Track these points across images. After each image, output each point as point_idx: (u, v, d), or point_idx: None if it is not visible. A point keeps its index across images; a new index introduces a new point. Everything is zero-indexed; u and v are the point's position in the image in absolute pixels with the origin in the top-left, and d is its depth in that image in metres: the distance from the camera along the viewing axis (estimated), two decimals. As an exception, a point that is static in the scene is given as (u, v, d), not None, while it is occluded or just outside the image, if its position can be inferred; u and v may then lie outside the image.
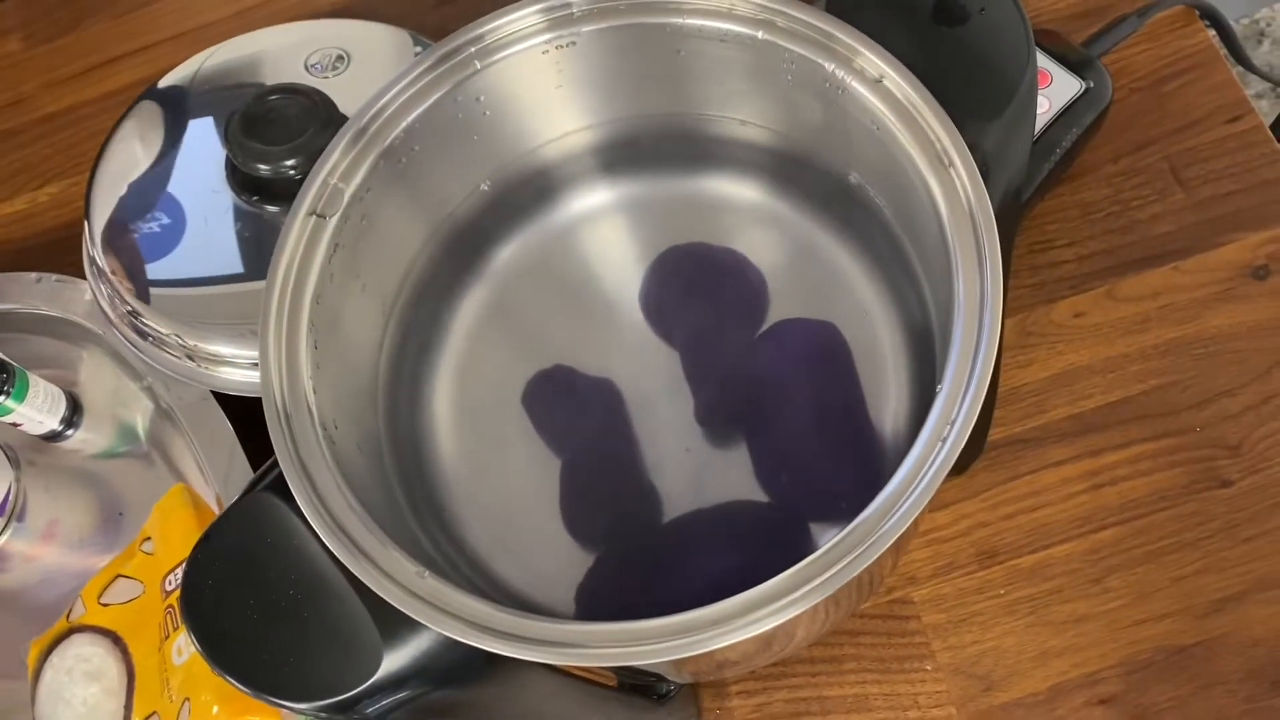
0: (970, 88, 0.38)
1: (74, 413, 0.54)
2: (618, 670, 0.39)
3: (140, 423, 0.54)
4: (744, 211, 0.44)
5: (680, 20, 0.38)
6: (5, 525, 0.52)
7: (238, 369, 0.48)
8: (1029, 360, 0.49)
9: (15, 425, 0.52)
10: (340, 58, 0.53)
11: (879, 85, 0.36)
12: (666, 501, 0.40)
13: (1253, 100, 0.53)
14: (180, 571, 0.40)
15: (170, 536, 0.46)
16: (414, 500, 0.40)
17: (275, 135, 0.47)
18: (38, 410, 0.51)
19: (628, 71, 0.41)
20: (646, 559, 0.40)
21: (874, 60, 0.36)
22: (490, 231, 0.44)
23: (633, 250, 0.44)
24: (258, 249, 0.49)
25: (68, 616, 0.47)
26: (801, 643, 0.44)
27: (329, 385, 0.36)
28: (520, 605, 0.38)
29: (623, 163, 0.44)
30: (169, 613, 0.44)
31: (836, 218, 0.42)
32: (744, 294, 0.42)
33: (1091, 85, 0.49)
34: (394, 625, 0.31)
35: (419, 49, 0.53)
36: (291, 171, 0.47)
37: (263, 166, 0.47)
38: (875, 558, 0.29)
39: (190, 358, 0.48)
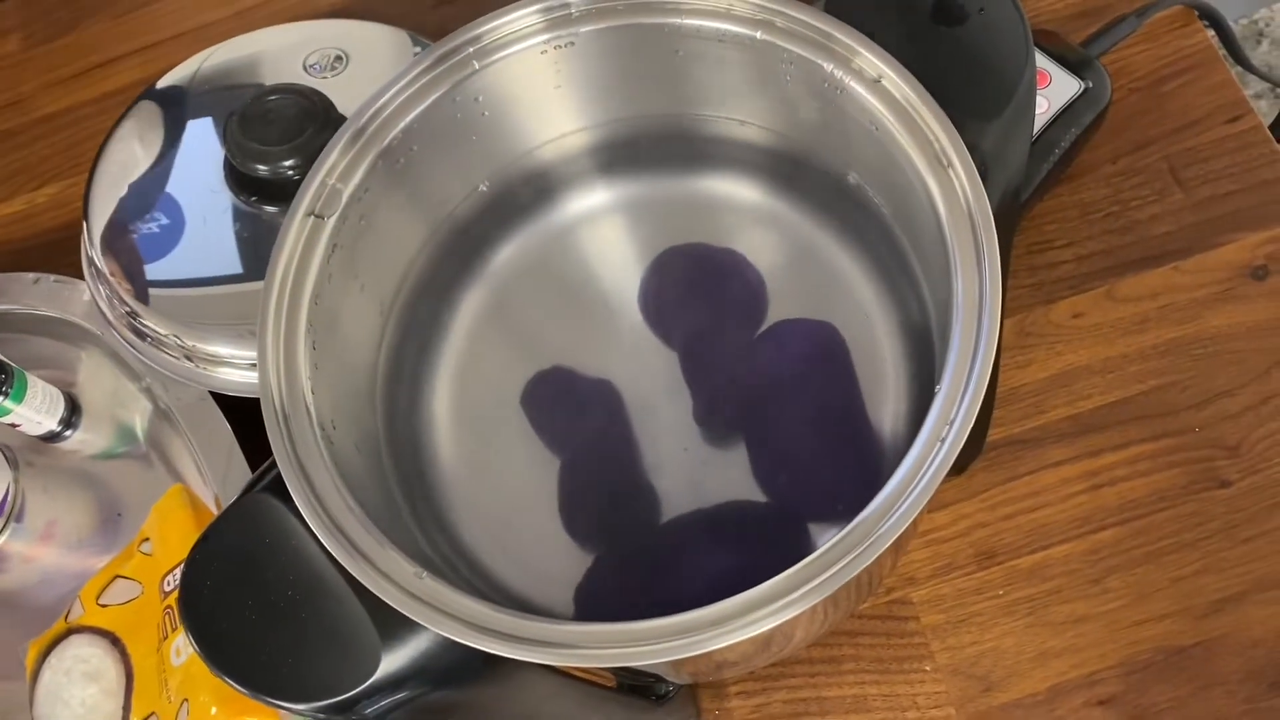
0: (969, 88, 0.38)
1: (72, 413, 0.54)
2: (616, 671, 0.39)
3: (139, 423, 0.54)
4: (743, 212, 0.44)
5: (679, 20, 0.38)
6: (4, 526, 0.52)
7: (236, 369, 0.48)
8: (1028, 361, 0.49)
9: (14, 426, 0.51)
10: (339, 58, 0.53)
11: (877, 85, 0.36)
12: (665, 502, 0.40)
13: (1251, 100, 0.53)
14: (179, 572, 0.40)
15: (169, 537, 0.46)
16: (412, 501, 0.40)
17: (274, 135, 0.47)
18: (36, 411, 0.51)
19: (626, 72, 0.41)
20: (645, 559, 0.40)
21: (872, 60, 0.36)
22: (489, 232, 0.44)
23: (632, 251, 0.44)
24: (256, 249, 0.49)
25: (66, 617, 0.47)
26: (800, 643, 0.44)
27: (327, 386, 0.36)
28: (519, 606, 0.38)
29: (621, 163, 0.44)
30: (167, 613, 0.44)
31: (835, 218, 0.42)
32: (743, 294, 0.42)
33: (1090, 85, 0.49)
34: (392, 626, 0.31)
35: (418, 49, 0.53)
36: (290, 172, 0.47)
37: (261, 167, 0.47)
38: (874, 558, 0.29)
39: (189, 358, 0.48)
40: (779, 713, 0.45)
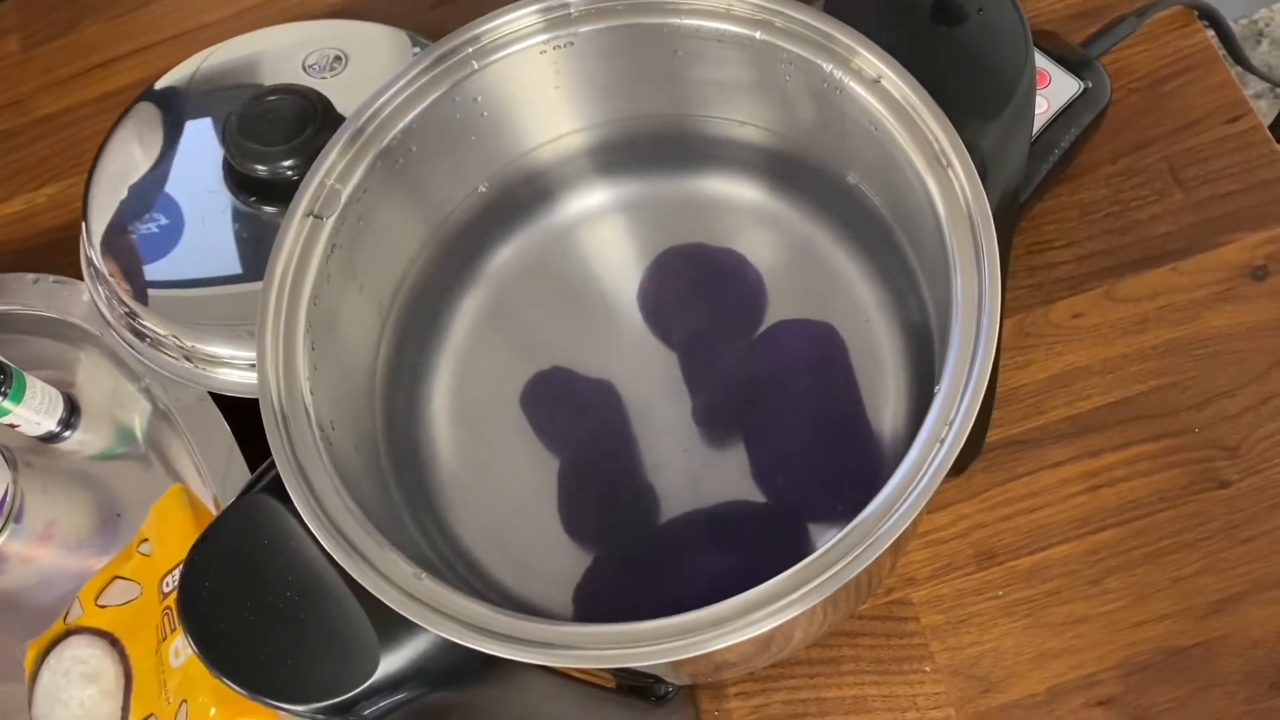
0: (968, 88, 0.38)
1: (71, 414, 0.54)
2: (616, 672, 0.39)
3: (138, 424, 0.54)
4: (742, 212, 0.44)
5: (678, 20, 0.38)
6: (3, 526, 0.52)
7: (235, 370, 0.48)
8: (1027, 361, 0.49)
9: (13, 427, 0.51)
10: (338, 58, 0.53)
11: (877, 85, 0.36)
12: (664, 502, 0.40)
13: (1251, 100, 0.53)
14: (177, 573, 0.40)
15: (168, 538, 0.46)
16: (411, 501, 0.40)
17: (273, 136, 0.47)
18: (35, 412, 0.51)
19: (625, 72, 0.41)
20: (644, 560, 0.40)
21: (872, 60, 0.36)
22: (488, 232, 0.44)
23: (631, 251, 0.44)
24: (255, 250, 0.49)
25: (65, 618, 0.47)
26: (800, 644, 0.44)
27: (326, 386, 0.36)
28: (518, 606, 0.38)
29: (621, 163, 0.44)
30: (166, 614, 0.44)
31: (835, 218, 0.42)
32: (742, 294, 0.42)
33: (1090, 85, 0.49)
34: (391, 627, 0.31)
35: (417, 49, 0.53)
36: (289, 172, 0.47)
37: (260, 167, 0.47)
38: (874, 559, 0.29)
39: (188, 359, 0.48)
40: (778, 714, 0.45)
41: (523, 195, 0.44)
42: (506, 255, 0.44)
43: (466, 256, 0.43)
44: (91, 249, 0.50)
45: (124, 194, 0.51)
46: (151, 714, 0.43)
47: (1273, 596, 0.44)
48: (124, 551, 0.48)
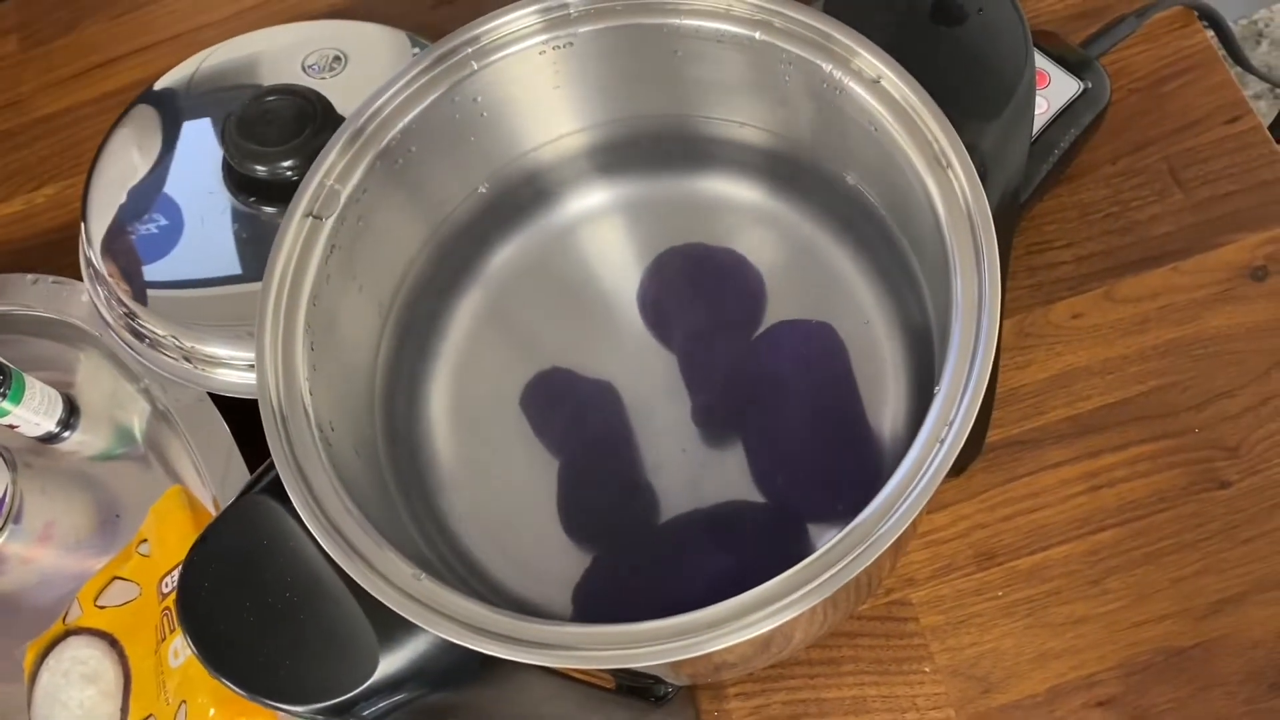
0: (968, 88, 0.38)
1: (71, 415, 0.53)
2: (615, 672, 0.39)
3: (137, 425, 0.54)
4: (742, 213, 0.44)
5: (677, 21, 0.38)
6: (2, 527, 0.52)
7: (235, 371, 0.48)
8: (1027, 361, 0.49)
9: (12, 427, 0.51)
10: (337, 59, 0.53)
11: (876, 86, 0.35)
12: (664, 502, 0.40)
13: (1251, 101, 0.53)
14: (177, 573, 0.40)
15: (167, 538, 0.46)
16: (411, 502, 0.40)
17: (272, 136, 0.47)
18: (34, 412, 0.51)
19: (625, 72, 0.41)
20: (644, 560, 0.40)
21: (871, 61, 0.36)
22: (488, 233, 0.44)
23: (631, 251, 0.44)
24: (255, 250, 0.49)
25: (64, 619, 0.47)
26: (799, 644, 0.44)
27: (326, 387, 0.36)
28: (517, 607, 0.38)
29: (620, 164, 0.44)
30: (165, 615, 0.44)
31: (834, 219, 0.42)
32: (742, 295, 0.42)
33: (1090, 86, 0.49)
34: (390, 628, 0.31)
35: (416, 50, 0.53)
36: (288, 173, 0.47)
37: (259, 168, 0.47)
38: (873, 559, 0.29)
39: (187, 359, 0.48)
40: (778, 714, 0.45)
41: (522, 195, 0.44)
42: (506, 255, 0.44)
43: (466, 257, 0.43)
44: (91, 249, 0.50)
45: (123, 194, 0.51)
46: (151, 714, 0.43)
47: (1273, 597, 0.44)
48: (123, 552, 0.48)
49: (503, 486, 0.41)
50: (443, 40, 0.38)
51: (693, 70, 0.40)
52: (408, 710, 0.33)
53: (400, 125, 0.38)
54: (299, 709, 0.32)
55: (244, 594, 0.32)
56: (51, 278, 0.55)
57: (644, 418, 0.41)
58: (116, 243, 0.50)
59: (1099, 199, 0.52)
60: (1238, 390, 0.47)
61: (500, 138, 0.42)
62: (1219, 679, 0.43)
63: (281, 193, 0.47)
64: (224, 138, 0.48)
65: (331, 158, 0.37)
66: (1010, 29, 0.39)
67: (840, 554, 0.29)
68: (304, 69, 0.53)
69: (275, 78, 0.53)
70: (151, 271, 0.49)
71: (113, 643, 0.45)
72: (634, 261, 0.44)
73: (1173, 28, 0.54)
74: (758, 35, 0.37)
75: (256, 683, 0.32)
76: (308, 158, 0.39)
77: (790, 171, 0.42)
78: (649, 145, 0.43)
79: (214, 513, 0.47)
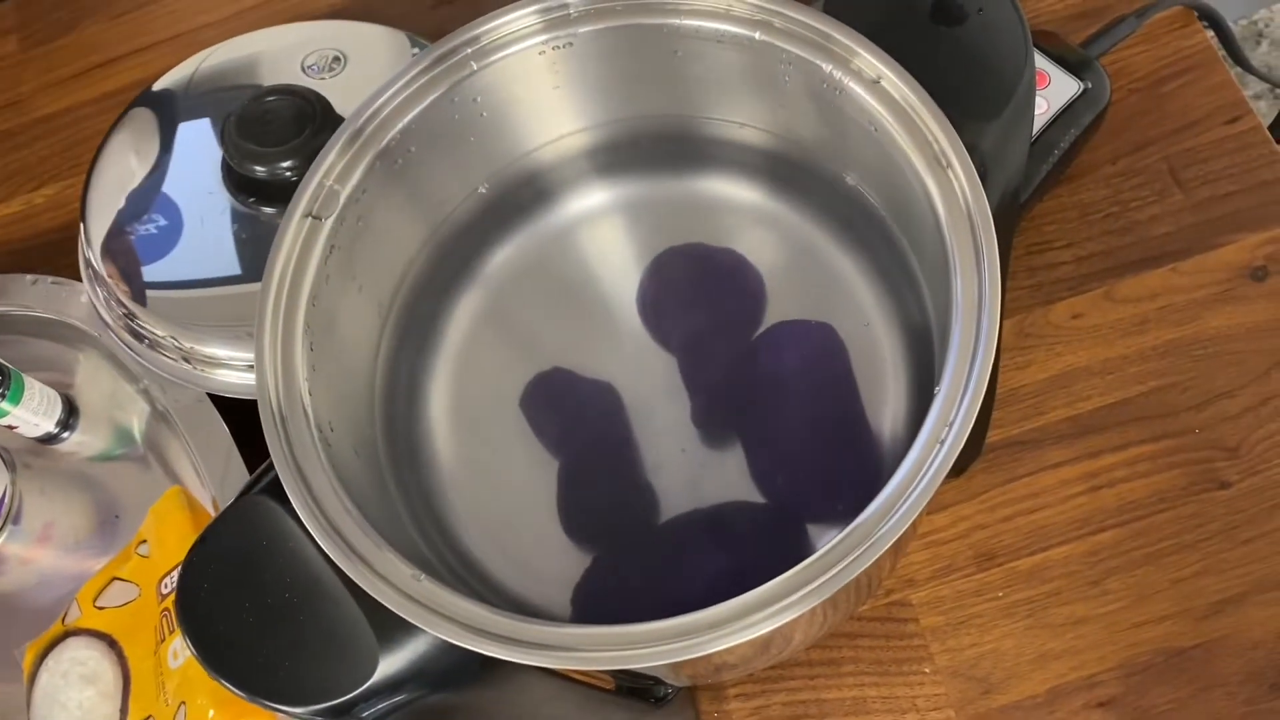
0: (968, 88, 0.38)
1: (70, 415, 0.53)
2: (615, 673, 0.39)
3: (136, 425, 0.54)
4: (741, 213, 0.44)
5: (677, 21, 0.38)
6: (1, 528, 0.52)
7: (234, 371, 0.48)
8: (1027, 362, 0.49)
9: (11, 428, 0.51)
10: (337, 59, 0.53)
11: (876, 86, 0.35)
12: (664, 502, 0.40)
13: (1251, 101, 0.53)
14: (176, 574, 0.40)
15: (166, 539, 0.46)
16: (410, 503, 0.39)
17: (271, 137, 0.47)
18: (33, 413, 0.51)
19: (625, 73, 0.41)
20: (643, 560, 0.40)
21: (871, 61, 0.35)
22: (488, 233, 0.44)
23: (630, 252, 0.44)
24: (254, 251, 0.49)
25: (63, 619, 0.47)
26: (799, 645, 0.44)
27: (325, 388, 0.35)
28: (517, 608, 0.38)
29: (620, 164, 0.44)
30: (165, 616, 0.44)
31: (834, 219, 0.42)
32: (741, 295, 0.42)
33: (1090, 86, 0.49)
34: (390, 629, 0.31)
35: (416, 50, 0.53)
36: (288, 173, 0.46)
37: (259, 168, 0.47)
38: (874, 560, 0.29)
39: (186, 360, 0.48)
40: (778, 715, 0.45)
41: (522, 196, 0.44)
42: (506, 256, 0.44)
43: (466, 257, 0.43)
44: (90, 250, 0.50)
45: (123, 195, 0.51)
46: (150, 715, 0.43)
47: (1273, 597, 0.44)
48: (122, 553, 0.48)
49: (502, 487, 0.41)
50: (442, 40, 0.38)
51: (693, 70, 0.40)
52: (407, 711, 0.32)
53: (400, 125, 0.38)
54: (298, 710, 0.32)
55: (243, 595, 0.32)
56: (51, 278, 0.55)
57: (644, 418, 0.41)
58: (116, 243, 0.50)
59: (1099, 199, 0.52)
60: (1238, 390, 0.47)
61: (500, 138, 0.42)
62: (1219, 679, 0.43)
63: (281, 193, 0.47)
64: (223, 138, 0.48)
65: (331, 158, 0.37)
66: (1010, 29, 0.39)
67: (840, 555, 0.29)
68: (304, 69, 0.53)
69: (275, 78, 0.53)
70: (151, 272, 0.49)
71: (112, 644, 0.45)
72: (634, 262, 0.44)
73: (1173, 28, 0.54)
74: (758, 35, 0.37)
75: (256, 684, 0.31)
76: (307, 158, 0.39)
77: (790, 172, 0.42)
78: (649, 145, 0.43)
79: (213, 513, 0.47)
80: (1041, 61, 0.49)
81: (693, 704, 0.46)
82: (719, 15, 0.37)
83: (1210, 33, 0.55)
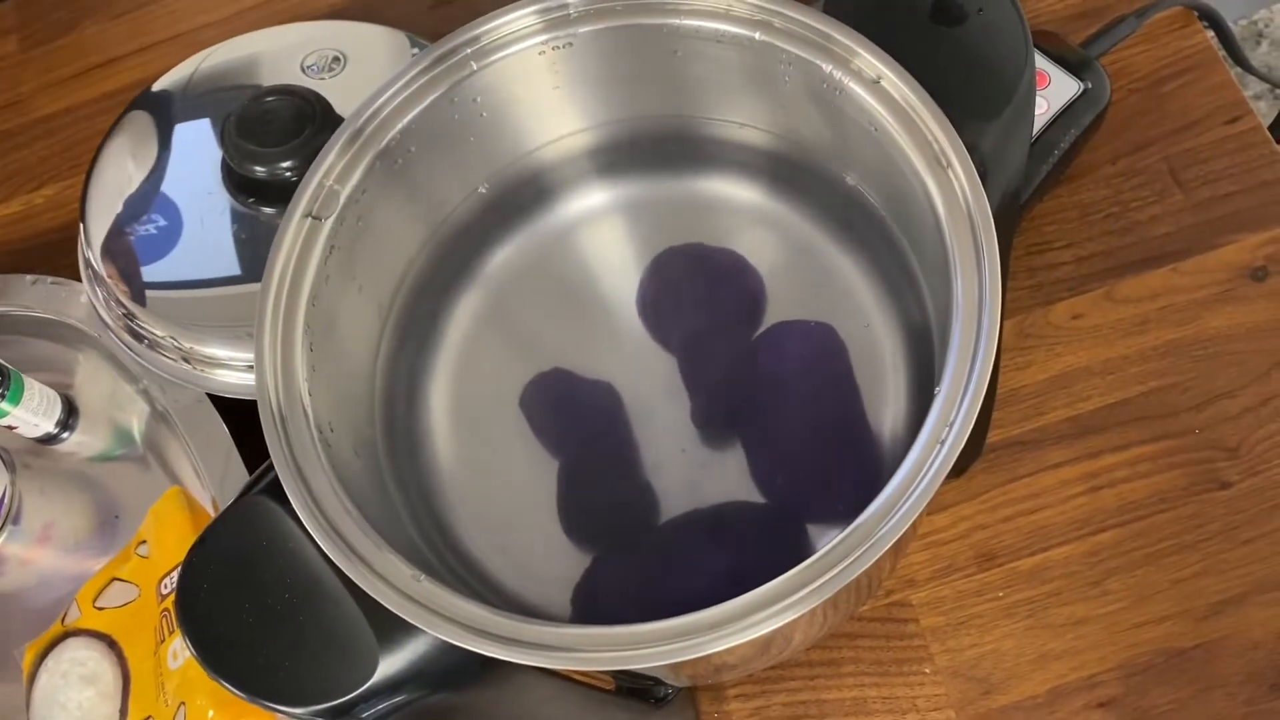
0: (968, 88, 0.38)
1: (69, 416, 0.53)
2: (615, 674, 0.39)
3: (136, 425, 0.54)
4: (741, 213, 0.43)
5: (677, 21, 0.38)
6: (1, 528, 0.52)
7: (234, 371, 0.48)
8: (1027, 362, 0.49)
9: (11, 428, 0.51)
10: (337, 59, 0.53)
11: (876, 86, 0.35)
12: (663, 503, 0.40)
13: (1251, 101, 0.53)
14: (176, 575, 0.40)
15: (166, 540, 0.46)
16: (410, 503, 0.39)
17: (271, 137, 0.47)
18: (33, 413, 0.51)
19: (625, 73, 0.41)
20: (644, 561, 0.40)
21: (871, 61, 0.35)
22: (488, 233, 0.44)
23: (630, 252, 0.44)
24: (254, 251, 0.49)
25: (63, 620, 0.47)
26: (799, 646, 0.44)
27: (325, 388, 0.35)
28: (517, 608, 0.38)
29: (620, 164, 0.44)
30: (164, 616, 0.44)
31: (834, 219, 0.42)
32: (742, 295, 0.42)
33: (1090, 86, 0.49)
34: (390, 629, 0.31)
35: (415, 50, 0.53)
36: (287, 173, 0.46)
37: (259, 168, 0.47)
38: (874, 560, 0.29)
39: (186, 360, 0.48)
40: (778, 715, 0.45)
41: (522, 196, 0.44)
42: (506, 256, 0.44)
43: (466, 257, 0.43)
44: (90, 250, 0.50)
45: (122, 195, 0.51)
46: (150, 716, 0.43)
47: (1273, 598, 0.44)
48: (122, 553, 0.48)
49: (502, 487, 0.41)
50: (442, 40, 0.38)
51: (693, 70, 0.40)
52: (407, 712, 0.32)
53: (400, 126, 0.38)
54: (298, 711, 0.32)
55: (243, 595, 0.32)
56: (50, 278, 0.55)
57: (643, 418, 0.41)
58: (115, 243, 0.50)
59: (1099, 199, 0.52)
60: (1238, 391, 0.47)
61: (500, 138, 0.42)
62: (1219, 680, 0.43)
63: (281, 193, 0.47)
64: (223, 138, 0.48)
65: (331, 158, 0.37)
66: (1010, 29, 0.39)
67: (841, 555, 0.29)
68: (303, 69, 0.53)
69: (274, 78, 0.53)
70: (150, 272, 0.49)
71: (111, 644, 0.45)
72: (634, 262, 0.44)
73: (1173, 28, 0.54)
74: (758, 35, 0.37)
75: (255, 684, 0.31)
76: (307, 158, 0.39)
77: (790, 172, 0.42)
78: (649, 146, 0.43)
79: (213, 514, 0.47)
80: (1042, 61, 0.49)
81: (693, 704, 0.46)
82: (719, 15, 0.37)
83: (1210, 33, 0.55)
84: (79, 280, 0.53)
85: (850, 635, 0.46)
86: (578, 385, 0.42)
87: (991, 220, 0.33)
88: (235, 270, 0.49)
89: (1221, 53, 0.55)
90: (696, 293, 0.43)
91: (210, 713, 0.41)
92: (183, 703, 0.42)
